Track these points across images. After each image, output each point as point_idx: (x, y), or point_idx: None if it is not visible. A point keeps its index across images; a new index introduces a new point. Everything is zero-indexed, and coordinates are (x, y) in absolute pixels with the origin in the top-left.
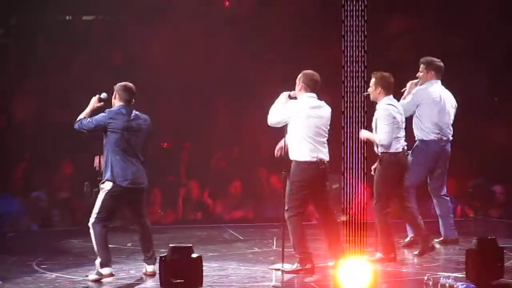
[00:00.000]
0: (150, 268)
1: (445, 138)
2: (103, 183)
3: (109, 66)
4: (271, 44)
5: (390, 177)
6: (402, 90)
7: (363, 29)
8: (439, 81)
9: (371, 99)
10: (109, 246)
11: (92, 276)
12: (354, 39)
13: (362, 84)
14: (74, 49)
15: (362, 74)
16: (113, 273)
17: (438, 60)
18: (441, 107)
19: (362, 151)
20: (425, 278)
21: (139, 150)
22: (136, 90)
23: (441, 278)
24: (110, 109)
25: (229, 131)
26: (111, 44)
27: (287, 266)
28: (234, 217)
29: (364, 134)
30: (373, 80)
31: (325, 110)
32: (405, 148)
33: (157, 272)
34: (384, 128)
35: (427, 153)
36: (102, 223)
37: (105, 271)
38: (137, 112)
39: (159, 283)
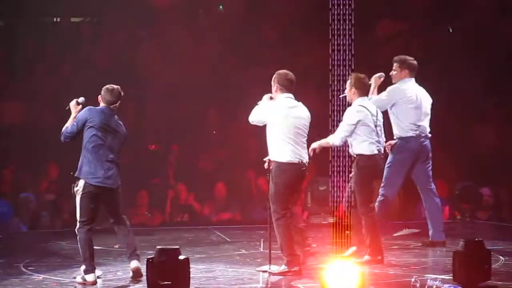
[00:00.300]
0: (133, 264)
1: (423, 135)
2: (76, 184)
3: (97, 68)
4: (259, 47)
5: (366, 180)
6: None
7: (350, 32)
8: (413, 79)
9: (347, 100)
10: (96, 248)
11: (79, 279)
12: (342, 42)
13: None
14: (62, 51)
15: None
16: (97, 280)
17: (412, 58)
18: (417, 105)
19: (349, 153)
20: (413, 280)
21: (115, 152)
22: (121, 93)
23: (428, 280)
24: (92, 107)
25: (216, 134)
26: (98, 46)
27: (274, 268)
28: (221, 219)
29: (313, 145)
30: (348, 81)
31: (303, 110)
32: (381, 151)
33: (141, 268)
34: (341, 127)
35: (407, 150)
36: (85, 227)
37: (89, 278)
38: (118, 119)
39: (146, 285)
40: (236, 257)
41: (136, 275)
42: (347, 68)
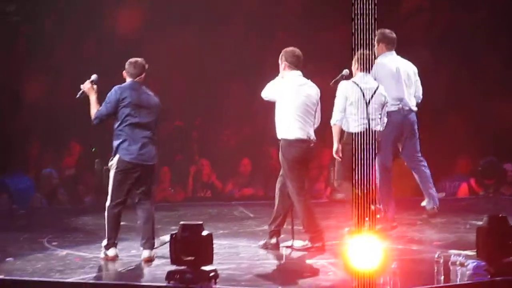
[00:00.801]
0: (145, 254)
1: (406, 108)
2: (111, 160)
3: (120, 43)
4: (283, 26)
5: (345, 157)
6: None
7: (373, 12)
8: (393, 52)
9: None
10: (120, 223)
11: (102, 254)
12: (364, 22)
13: (371, 65)
14: (83, 27)
15: (373, 56)
16: (118, 254)
17: (389, 31)
18: (397, 79)
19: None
20: (436, 256)
21: (149, 128)
22: (145, 65)
23: (452, 256)
24: (120, 85)
25: (240, 110)
26: (122, 20)
27: (298, 244)
28: (244, 195)
29: (335, 150)
30: (354, 57)
31: (312, 88)
32: (367, 128)
33: (153, 257)
34: (335, 104)
35: (390, 124)
36: (115, 205)
37: (111, 252)
38: (147, 90)
39: (169, 260)
40: (259, 233)
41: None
42: (370, 48)
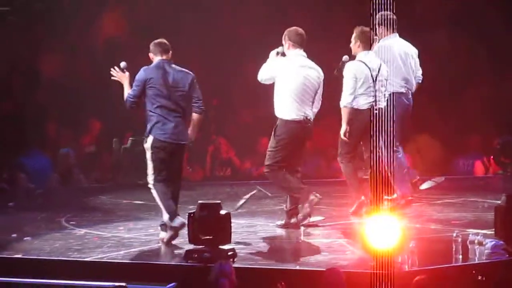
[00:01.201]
0: (162, 235)
1: (412, 91)
2: (145, 141)
3: (138, 23)
4: (304, 13)
5: (352, 133)
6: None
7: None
8: (397, 34)
9: (352, 53)
10: (138, 202)
11: (162, 234)
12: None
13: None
14: (100, 5)
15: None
16: (185, 222)
17: (390, 13)
18: (404, 61)
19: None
20: (454, 235)
21: (181, 106)
22: (168, 44)
23: (470, 235)
24: (147, 66)
25: (257, 88)
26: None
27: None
28: (262, 174)
29: (342, 131)
30: (354, 34)
31: (314, 70)
32: (374, 105)
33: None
34: (344, 86)
35: (399, 105)
36: (159, 183)
37: (177, 222)
38: (177, 67)
39: (187, 239)
40: (278, 211)
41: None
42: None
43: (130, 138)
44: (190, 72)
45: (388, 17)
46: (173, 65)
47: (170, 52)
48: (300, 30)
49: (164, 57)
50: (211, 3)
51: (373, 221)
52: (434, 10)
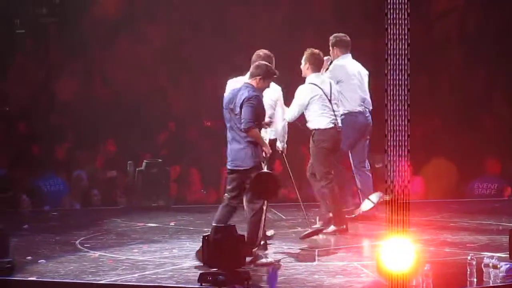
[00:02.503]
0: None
1: (368, 110)
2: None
3: (153, 44)
4: (315, 32)
5: (322, 153)
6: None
7: (406, 22)
8: (349, 55)
9: (302, 75)
10: (152, 225)
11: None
12: (397, 32)
13: (406, 62)
14: (117, 27)
15: (405, 52)
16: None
17: (343, 34)
18: (360, 80)
19: (406, 128)
20: (469, 258)
21: (232, 128)
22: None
23: (485, 258)
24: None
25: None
26: (154, 22)
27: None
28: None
29: (278, 146)
30: (304, 56)
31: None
32: (337, 123)
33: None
34: (293, 105)
35: (355, 124)
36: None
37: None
38: (240, 89)
39: (202, 262)
40: (292, 234)
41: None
42: (403, 57)
43: (145, 161)
44: (243, 94)
45: (342, 38)
46: (243, 86)
47: (248, 74)
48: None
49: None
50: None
51: (388, 244)
52: (450, 31)
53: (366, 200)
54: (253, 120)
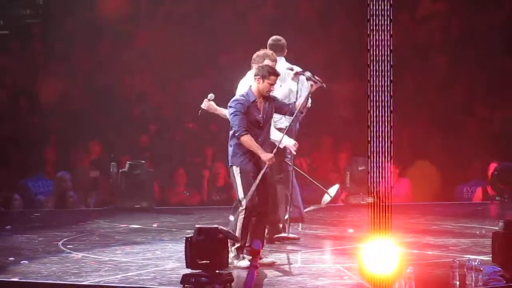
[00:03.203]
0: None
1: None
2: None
3: (135, 47)
4: (300, 25)
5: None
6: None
7: (388, 13)
8: (283, 58)
9: None
10: (135, 226)
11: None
12: (380, 22)
13: (388, 68)
14: (99, 29)
15: (388, 58)
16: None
17: (274, 38)
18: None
19: (388, 134)
20: (452, 261)
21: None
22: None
23: (467, 261)
24: None
25: None
26: (137, 25)
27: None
28: None
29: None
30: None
31: None
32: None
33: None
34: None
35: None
36: None
37: None
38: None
39: (184, 263)
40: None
41: None
42: (385, 49)
43: (128, 162)
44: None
45: (277, 43)
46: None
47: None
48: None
49: None
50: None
51: (371, 246)
52: (435, 37)
53: (326, 194)
54: (239, 126)
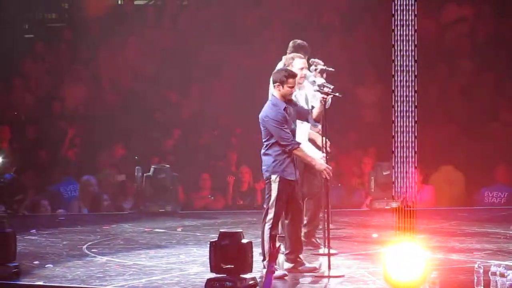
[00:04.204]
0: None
1: None
2: None
3: (160, 50)
4: (324, 32)
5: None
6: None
7: (413, 23)
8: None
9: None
10: (160, 231)
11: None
12: (404, 33)
13: (413, 78)
14: (125, 33)
15: (412, 68)
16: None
17: (294, 41)
18: None
19: (413, 144)
20: (476, 265)
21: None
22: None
23: (492, 266)
24: None
25: None
26: (162, 28)
27: None
28: None
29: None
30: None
31: None
32: None
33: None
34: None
35: None
36: None
37: None
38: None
39: (208, 268)
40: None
41: None
42: (409, 59)
43: (153, 166)
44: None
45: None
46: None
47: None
48: None
49: None
50: (235, 31)
51: (395, 251)
52: (463, 41)
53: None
54: (289, 139)
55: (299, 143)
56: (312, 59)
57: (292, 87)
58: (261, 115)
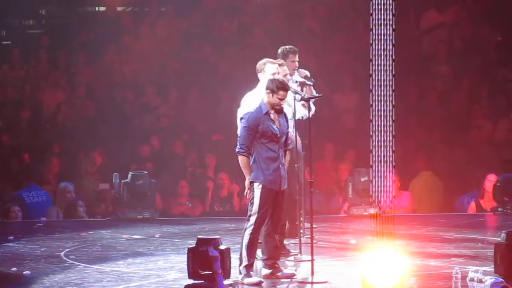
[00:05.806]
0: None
1: None
2: None
3: (138, 57)
4: (302, 36)
5: None
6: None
7: (391, 22)
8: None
9: None
10: (138, 237)
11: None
12: (382, 32)
13: (390, 77)
14: (103, 40)
15: (390, 68)
16: None
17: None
18: None
19: (391, 144)
20: (454, 271)
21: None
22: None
23: (470, 272)
24: None
25: None
26: (140, 35)
27: None
28: None
29: None
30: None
31: None
32: None
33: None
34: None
35: None
36: None
37: None
38: None
39: (186, 274)
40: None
41: None
42: (387, 58)
43: (130, 173)
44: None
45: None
46: None
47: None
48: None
49: None
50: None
51: (374, 257)
52: (440, 48)
53: None
54: (242, 144)
55: (249, 153)
56: (300, 69)
57: (282, 99)
58: (240, 111)
